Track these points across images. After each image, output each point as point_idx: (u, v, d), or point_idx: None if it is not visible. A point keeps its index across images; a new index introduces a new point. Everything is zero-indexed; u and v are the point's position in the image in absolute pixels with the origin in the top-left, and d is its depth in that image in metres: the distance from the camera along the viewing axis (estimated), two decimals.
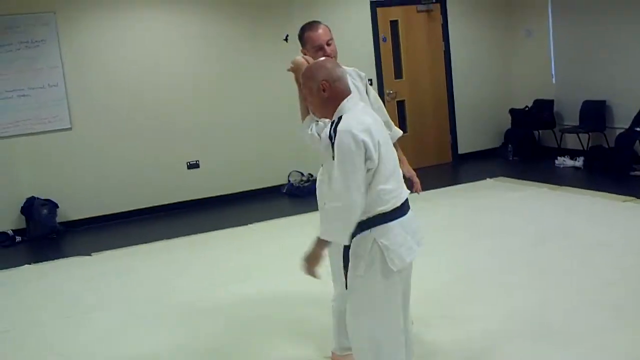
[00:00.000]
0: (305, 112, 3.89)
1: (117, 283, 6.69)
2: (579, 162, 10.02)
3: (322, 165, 4.16)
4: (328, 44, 4.09)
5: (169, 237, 8.20)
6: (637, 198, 7.75)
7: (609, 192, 8.13)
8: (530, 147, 11.30)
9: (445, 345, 4.47)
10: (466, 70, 11.57)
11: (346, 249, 3.29)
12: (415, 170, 4.38)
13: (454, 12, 11.40)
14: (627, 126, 9.58)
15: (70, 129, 9.24)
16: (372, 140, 3.11)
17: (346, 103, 3.28)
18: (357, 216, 3.15)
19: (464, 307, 5.07)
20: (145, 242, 8.09)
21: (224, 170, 10.06)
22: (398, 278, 3.24)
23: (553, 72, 11.12)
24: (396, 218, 3.22)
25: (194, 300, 5.90)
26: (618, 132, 9.70)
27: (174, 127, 9.78)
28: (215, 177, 10.02)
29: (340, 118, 3.21)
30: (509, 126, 11.71)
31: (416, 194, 4.28)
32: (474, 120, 11.70)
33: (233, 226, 8.44)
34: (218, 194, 10.02)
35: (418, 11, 11.20)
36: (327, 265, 3.45)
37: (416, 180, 4.39)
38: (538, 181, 9.15)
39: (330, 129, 3.23)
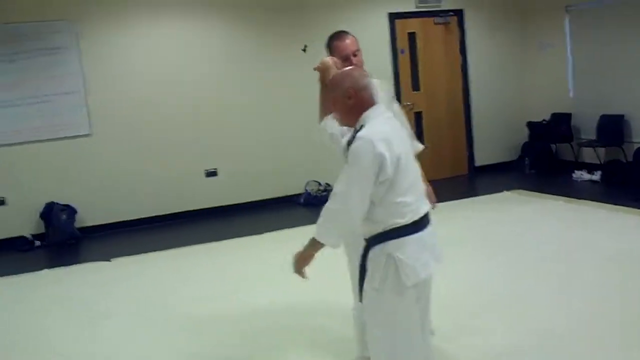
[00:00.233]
0: (324, 113, 3.89)
1: (133, 289, 6.71)
2: (596, 176, 10.01)
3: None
4: (355, 55, 4.09)
5: (186, 245, 8.22)
6: None
7: (626, 206, 8.11)
8: (547, 160, 11.29)
9: (465, 357, 4.48)
10: (483, 83, 11.58)
11: (363, 260, 3.28)
12: (431, 182, 4.37)
13: (472, 24, 11.43)
14: None
15: (89, 135, 9.31)
16: (389, 151, 3.08)
17: (370, 112, 3.26)
18: (354, 223, 3.15)
19: (482, 319, 5.07)
20: (163, 249, 8.11)
21: (242, 178, 10.10)
22: (413, 292, 3.20)
23: (570, 86, 11.11)
24: (413, 232, 3.18)
25: (209, 309, 5.89)
26: (636, 146, 9.69)
27: (192, 134, 9.83)
28: (233, 185, 10.06)
29: (362, 127, 3.21)
30: (526, 139, 11.71)
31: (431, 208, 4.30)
32: (491, 133, 11.70)
33: (250, 235, 8.46)
34: (235, 202, 10.05)
35: (435, 23, 11.24)
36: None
37: (432, 196, 4.39)
38: (555, 194, 9.13)
39: (351, 135, 3.25)
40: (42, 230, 9.06)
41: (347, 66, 3.91)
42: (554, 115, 11.33)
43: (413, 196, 3.21)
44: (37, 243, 8.92)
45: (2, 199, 8.99)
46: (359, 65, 4.10)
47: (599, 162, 10.40)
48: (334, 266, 4.30)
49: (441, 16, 11.22)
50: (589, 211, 8.24)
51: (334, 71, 3.81)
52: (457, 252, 6.62)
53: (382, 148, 3.07)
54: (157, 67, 9.61)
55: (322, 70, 3.92)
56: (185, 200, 9.83)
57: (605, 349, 4.42)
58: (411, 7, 10.96)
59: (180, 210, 9.78)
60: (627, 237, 6.97)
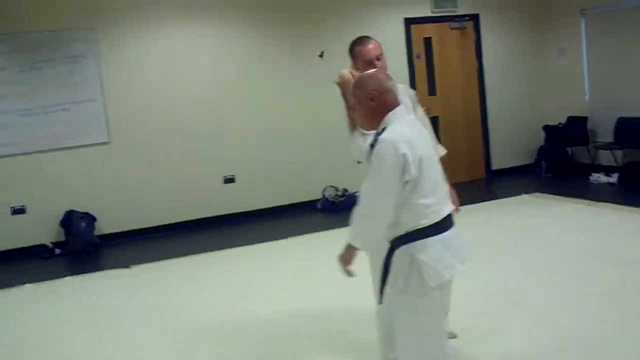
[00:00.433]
0: (352, 126, 3.92)
1: (153, 296, 6.72)
2: (613, 179, 9.99)
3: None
4: (378, 59, 4.11)
5: (205, 251, 8.23)
6: None
7: None
8: (563, 163, 11.27)
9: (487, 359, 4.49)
10: (499, 87, 11.58)
11: (386, 262, 3.31)
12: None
13: (487, 29, 11.44)
14: None
15: (108, 143, 9.36)
16: (412, 152, 3.11)
17: (393, 114, 3.29)
18: (383, 225, 3.19)
19: (505, 323, 5.06)
20: (182, 256, 8.12)
21: (260, 184, 10.12)
22: (437, 293, 3.22)
23: (586, 89, 11.10)
24: (436, 233, 3.20)
25: (229, 315, 5.87)
26: None
27: (210, 141, 9.86)
28: (251, 191, 10.08)
29: (384, 129, 3.24)
30: (542, 143, 11.70)
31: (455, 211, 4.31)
32: (507, 137, 11.70)
33: (268, 240, 8.46)
34: (253, 208, 10.06)
35: (451, 28, 11.26)
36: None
37: (455, 199, 4.40)
38: (573, 197, 9.12)
39: (374, 138, 3.27)
40: (61, 238, 9.10)
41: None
42: (570, 118, 11.33)
43: (435, 198, 3.23)
44: (57, 251, 8.94)
45: (22, 207, 9.03)
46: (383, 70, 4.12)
47: (615, 165, 10.38)
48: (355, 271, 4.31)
49: (457, 21, 11.23)
50: (609, 214, 8.21)
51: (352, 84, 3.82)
52: (479, 255, 6.59)
53: (404, 149, 3.10)
54: (175, 74, 9.65)
55: (341, 84, 3.93)
56: (204, 207, 9.85)
57: (625, 353, 4.41)
58: (427, 12, 10.97)
59: (198, 217, 9.80)
60: None
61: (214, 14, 9.83)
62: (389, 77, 3.41)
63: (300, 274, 6.91)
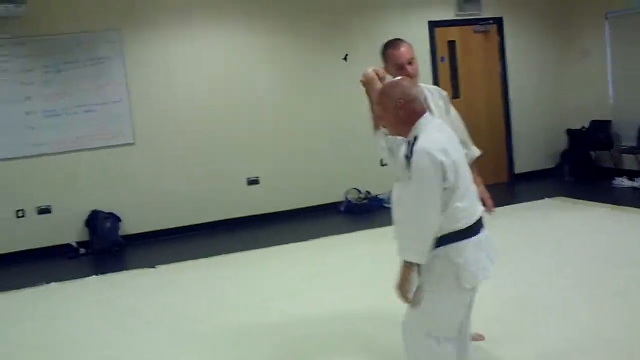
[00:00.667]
0: (376, 125, 3.90)
1: (178, 296, 6.74)
2: (637, 183, 9.94)
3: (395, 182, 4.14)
4: (410, 63, 4.08)
5: (228, 252, 8.25)
6: None
7: None
8: (586, 167, 11.23)
9: None
10: (522, 90, 11.55)
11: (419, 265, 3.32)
12: None
13: (511, 32, 11.41)
14: None
15: (133, 144, 9.41)
16: (448, 159, 3.14)
17: (422, 122, 3.31)
18: (433, 234, 3.19)
19: (531, 325, 5.04)
20: (206, 257, 8.14)
21: (283, 186, 10.13)
22: (468, 295, 3.32)
23: (610, 93, 11.06)
24: (470, 236, 3.25)
25: (253, 316, 5.89)
26: None
27: (234, 142, 9.90)
28: (274, 193, 10.10)
29: (416, 138, 3.24)
30: (565, 146, 11.66)
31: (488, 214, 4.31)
32: (530, 140, 11.66)
33: (291, 242, 8.47)
34: (277, 210, 10.08)
35: (475, 32, 11.25)
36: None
37: (489, 202, 4.40)
38: (597, 201, 9.08)
39: (407, 149, 3.29)
40: (86, 237, 9.16)
41: (401, 74, 3.92)
42: (593, 122, 11.27)
43: (468, 201, 3.28)
44: (82, 250, 9.00)
45: (48, 207, 9.10)
46: (414, 74, 4.10)
47: (639, 169, 10.33)
48: (375, 274, 4.32)
49: (481, 24, 11.22)
50: (633, 218, 8.18)
51: (377, 83, 3.81)
52: (504, 259, 6.58)
53: (441, 156, 3.13)
54: (200, 76, 9.70)
55: (366, 83, 3.92)
56: (227, 208, 9.88)
57: None
58: (451, 16, 10.99)
59: (222, 219, 9.83)
60: None
61: (239, 17, 9.87)
62: (414, 84, 3.45)
63: (324, 276, 6.90)
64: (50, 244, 9.05)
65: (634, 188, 9.91)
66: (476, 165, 4.30)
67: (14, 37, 8.78)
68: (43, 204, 9.09)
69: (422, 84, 4.32)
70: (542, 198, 9.68)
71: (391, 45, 4.17)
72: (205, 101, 9.71)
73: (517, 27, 11.46)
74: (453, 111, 4.42)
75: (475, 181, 4.10)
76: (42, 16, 8.89)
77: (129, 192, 9.44)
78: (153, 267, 7.93)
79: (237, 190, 9.95)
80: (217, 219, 9.80)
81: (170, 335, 5.63)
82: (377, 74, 3.86)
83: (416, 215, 3.19)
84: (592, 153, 11.35)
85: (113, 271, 7.96)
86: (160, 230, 9.52)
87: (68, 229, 9.15)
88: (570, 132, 11.58)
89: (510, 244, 7.29)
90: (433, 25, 10.83)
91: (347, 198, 10.27)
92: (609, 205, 8.82)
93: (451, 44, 11.07)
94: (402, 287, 3.27)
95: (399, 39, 4.23)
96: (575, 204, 9.19)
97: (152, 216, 9.54)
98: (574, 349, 4.58)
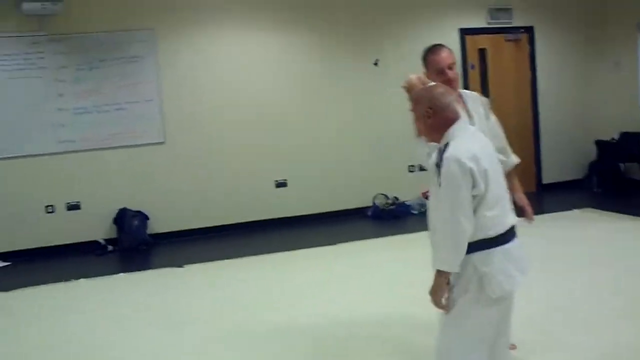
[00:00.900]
0: (419, 132, 3.91)
1: (206, 296, 6.76)
2: None
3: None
4: (450, 68, 4.10)
5: (254, 254, 8.27)
6: None
7: None
8: (615, 179, 11.15)
9: None
10: (552, 100, 11.50)
11: None
12: None
13: (542, 41, 11.37)
14: None
15: (163, 143, 9.46)
16: (478, 167, 3.11)
17: (454, 129, 3.28)
18: (466, 242, 3.15)
19: (565, 335, 5.02)
20: (232, 258, 8.17)
21: (311, 190, 10.15)
22: (495, 306, 3.22)
23: None
24: (498, 245, 3.20)
25: (280, 318, 5.88)
26: None
27: (264, 144, 9.92)
28: (302, 196, 10.11)
29: (447, 145, 3.22)
30: (594, 157, 11.59)
31: (528, 222, 4.30)
32: (559, 151, 11.60)
33: (317, 246, 8.46)
34: (304, 213, 10.09)
35: (506, 40, 11.23)
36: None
37: (528, 209, 4.38)
38: (626, 213, 9.02)
39: (438, 156, 3.27)
40: (114, 235, 9.22)
41: (441, 80, 3.92)
42: (623, 133, 11.20)
43: (499, 210, 3.23)
44: (110, 248, 9.07)
45: (77, 203, 9.17)
46: (454, 79, 4.12)
47: None
48: (402, 280, 4.31)
49: (512, 33, 11.19)
50: None
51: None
52: (535, 269, 6.56)
53: (470, 164, 3.10)
54: (231, 77, 9.74)
55: (408, 89, 3.92)
56: (255, 210, 9.90)
57: None
58: (482, 24, 10.97)
59: (249, 220, 9.85)
60: None
61: (272, 19, 9.90)
62: (447, 92, 3.39)
63: (352, 280, 6.90)
64: (79, 241, 9.12)
65: None
66: (515, 173, 4.30)
67: (50, 35, 8.86)
68: (72, 200, 9.16)
69: (462, 90, 4.34)
70: (571, 209, 9.62)
71: (432, 51, 4.20)
72: (236, 103, 9.74)
73: (548, 37, 11.41)
74: (493, 118, 4.42)
75: (514, 188, 4.10)
76: (78, 14, 8.98)
77: (157, 191, 9.49)
78: (180, 266, 7.96)
79: (265, 192, 9.97)
80: (244, 221, 9.82)
81: (204, 334, 5.65)
82: (421, 81, 3.85)
83: (447, 223, 3.17)
84: (622, 165, 11.27)
85: (140, 269, 8.02)
86: (188, 230, 9.56)
87: (96, 226, 9.22)
88: (599, 143, 11.50)
89: (541, 254, 7.23)
90: (464, 32, 10.81)
91: (374, 203, 10.25)
92: (638, 217, 8.75)
93: (482, 52, 11.05)
94: (435, 295, 3.25)
95: (440, 44, 4.25)
96: (605, 216, 9.13)
97: (180, 216, 9.58)
98: (606, 358, 4.56)
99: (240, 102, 9.76)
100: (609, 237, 8.09)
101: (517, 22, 11.21)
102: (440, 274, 3.23)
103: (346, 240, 8.63)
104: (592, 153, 11.60)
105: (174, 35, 9.45)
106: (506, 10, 11.07)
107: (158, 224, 9.44)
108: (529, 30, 11.31)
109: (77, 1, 8.92)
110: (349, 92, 10.26)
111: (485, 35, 11.07)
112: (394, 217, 9.91)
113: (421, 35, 10.23)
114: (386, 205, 10.19)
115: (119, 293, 7.11)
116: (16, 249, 8.85)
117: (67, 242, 9.08)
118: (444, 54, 4.16)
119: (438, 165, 3.24)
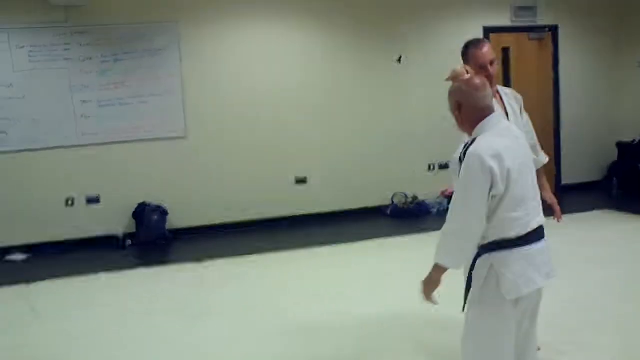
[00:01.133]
0: None
1: (224, 292, 6.78)
2: None
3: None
4: (491, 64, 4.05)
5: (274, 250, 8.28)
6: None
7: None
8: (635, 181, 11.06)
9: None
10: (574, 100, 11.42)
11: (470, 270, 3.24)
12: None
13: (566, 41, 11.28)
14: None
15: (184, 137, 9.45)
16: (500, 166, 3.05)
17: (485, 123, 3.23)
18: (474, 242, 3.12)
19: (588, 335, 5.03)
20: (252, 254, 8.16)
21: (331, 187, 10.12)
22: (511, 307, 3.16)
23: None
24: (519, 246, 3.14)
25: (300, 315, 5.90)
26: None
27: (284, 141, 9.90)
28: (322, 193, 10.09)
29: (474, 140, 3.18)
30: (614, 159, 11.51)
31: (557, 221, 4.26)
32: (579, 152, 11.53)
33: (336, 243, 8.46)
34: (323, 210, 10.07)
35: (530, 39, 11.16)
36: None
37: (557, 208, 4.34)
38: None
39: (462, 150, 3.23)
40: (133, 229, 9.22)
41: (482, 74, 3.85)
42: None
43: (523, 211, 3.16)
44: (129, 242, 9.08)
45: (97, 196, 9.17)
46: (494, 75, 4.06)
47: None
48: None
49: (536, 32, 11.11)
50: None
51: None
52: (557, 270, 6.54)
53: (491, 163, 3.05)
54: (254, 72, 9.70)
55: (454, 80, 3.87)
56: (274, 206, 9.87)
57: None
58: (506, 22, 10.89)
59: (268, 217, 9.83)
60: None
61: (294, 15, 9.88)
62: (479, 86, 3.30)
63: (372, 278, 6.90)
64: (98, 234, 9.13)
65: None
66: (543, 172, 4.26)
67: (76, 26, 8.87)
68: (92, 193, 9.17)
69: (499, 86, 4.29)
70: (590, 210, 9.59)
71: (474, 45, 4.12)
72: (257, 98, 9.71)
73: (572, 36, 11.33)
74: (525, 115, 4.39)
75: (542, 187, 4.04)
76: (103, 6, 8.98)
77: (177, 186, 9.47)
78: (199, 261, 7.95)
79: (284, 189, 9.95)
80: (263, 217, 9.79)
81: (224, 329, 5.67)
82: (467, 73, 3.79)
83: (455, 218, 3.13)
84: None
85: (160, 264, 8.02)
86: (207, 226, 9.55)
87: (115, 220, 9.21)
88: (620, 145, 11.43)
89: (563, 255, 7.17)
90: (488, 31, 10.72)
91: (393, 202, 10.22)
92: None
93: (505, 51, 10.99)
94: (426, 287, 3.24)
95: (481, 38, 4.21)
96: (625, 217, 9.09)
97: (199, 211, 9.56)
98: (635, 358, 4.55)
99: (263, 97, 9.74)
100: (629, 238, 8.10)
101: (541, 21, 11.12)
102: (437, 268, 3.20)
103: (366, 238, 8.62)
104: (613, 154, 11.52)
105: (197, 28, 9.42)
106: (530, 9, 10.99)
107: (177, 219, 9.43)
108: (553, 29, 11.22)
109: None
110: (371, 88, 10.21)
111: (509, 33, 11.02)
112: (413, 215, 9.88)
113: (445, 33, 10.21)
114: (405, 204, 10.15)
115: (138, 287, 7.13)
116: (36, 241, 8.87)
117: (86, 236, 9.08)
118: (486, 49, 4.09)
119: (461, 159, 3.20)
